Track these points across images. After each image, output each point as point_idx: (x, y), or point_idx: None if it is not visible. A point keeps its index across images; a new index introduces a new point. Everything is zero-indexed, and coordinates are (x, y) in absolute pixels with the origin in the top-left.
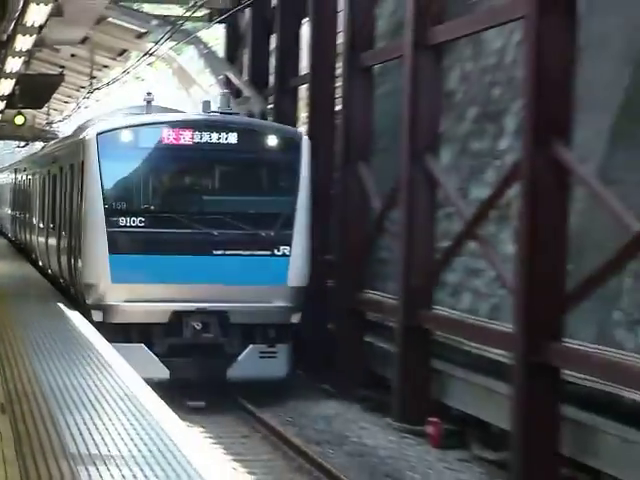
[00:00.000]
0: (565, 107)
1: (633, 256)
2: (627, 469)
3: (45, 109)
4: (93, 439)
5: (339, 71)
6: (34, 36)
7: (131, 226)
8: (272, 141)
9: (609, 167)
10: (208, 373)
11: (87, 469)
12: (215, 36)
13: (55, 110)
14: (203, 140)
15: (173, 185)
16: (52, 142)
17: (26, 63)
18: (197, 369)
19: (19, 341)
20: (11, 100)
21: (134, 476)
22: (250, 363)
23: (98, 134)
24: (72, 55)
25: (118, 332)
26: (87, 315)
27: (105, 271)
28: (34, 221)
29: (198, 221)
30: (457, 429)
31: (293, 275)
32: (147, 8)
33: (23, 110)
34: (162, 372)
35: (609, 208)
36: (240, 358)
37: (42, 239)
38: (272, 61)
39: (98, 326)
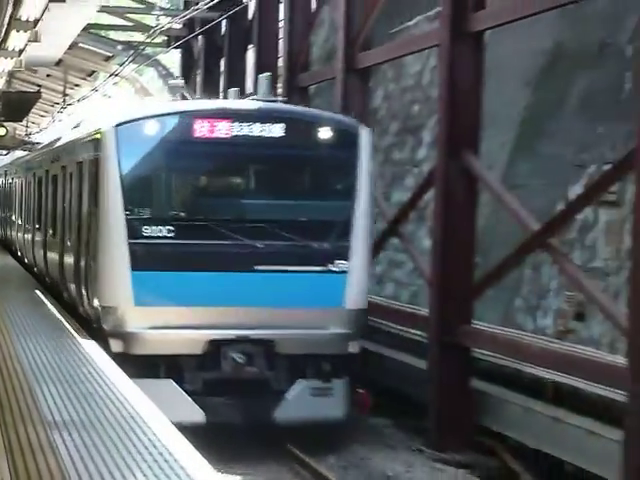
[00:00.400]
0: (474, 122)
1: (531, 251)
2: (527, 433)
3: (24, 122)
4: (66, 408)
5: (280, 90)
6: (14, 59)
7: (157, 237)
8: (326, 134)
9: (512, 174)
10: (252, 414)
11: (61, 434)
12: (172, 60)
13: (33, 123)
14: (243, 132)
15: (207, 187)
16: (47, 142)
17: (8, 82)
18: (238, 410)
19: (0, 324)
20: None
21: (101, 439)
22: (301, 402)
23: (117, 125)
24: (48, 75)
25: (142, 365)
26: (103, 344)
27: (126, 291)
28: (28, 225)
29: (238, 230)
30: (384, 401)
31: (351, 295)
32: (113, 35)
33: (5, 122)
34: (195, 414)
35: (511, 210)
36: (289, 396)
37: (38, 244)
38: (222, 81)
39: (117, 358)
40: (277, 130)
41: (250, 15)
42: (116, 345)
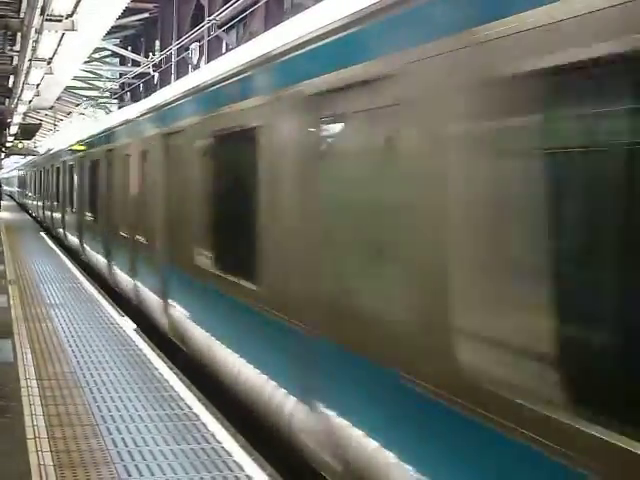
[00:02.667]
0: None
1: None
2: None
3: (32, 140)
4: (58, 295)
5: None
6: (26, 105)
7: None
8: None
9: None
10: None
11: (55, 311)
12: (114, 105)
13: (38, 141)
14: None
15: None
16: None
17: (23, 118)
18: None
19: (20, 249)
20: (16, 136)
21: (78, 313)
22: None
23: None
24: (45, 114)
25: None
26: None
27: None
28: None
29: None
30: None
31: None
32: (80, 92)
33: (22, 140)
34: None
35: None
36: None
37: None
38: None
39: None
40: None
41: (155, 81)
42: None
